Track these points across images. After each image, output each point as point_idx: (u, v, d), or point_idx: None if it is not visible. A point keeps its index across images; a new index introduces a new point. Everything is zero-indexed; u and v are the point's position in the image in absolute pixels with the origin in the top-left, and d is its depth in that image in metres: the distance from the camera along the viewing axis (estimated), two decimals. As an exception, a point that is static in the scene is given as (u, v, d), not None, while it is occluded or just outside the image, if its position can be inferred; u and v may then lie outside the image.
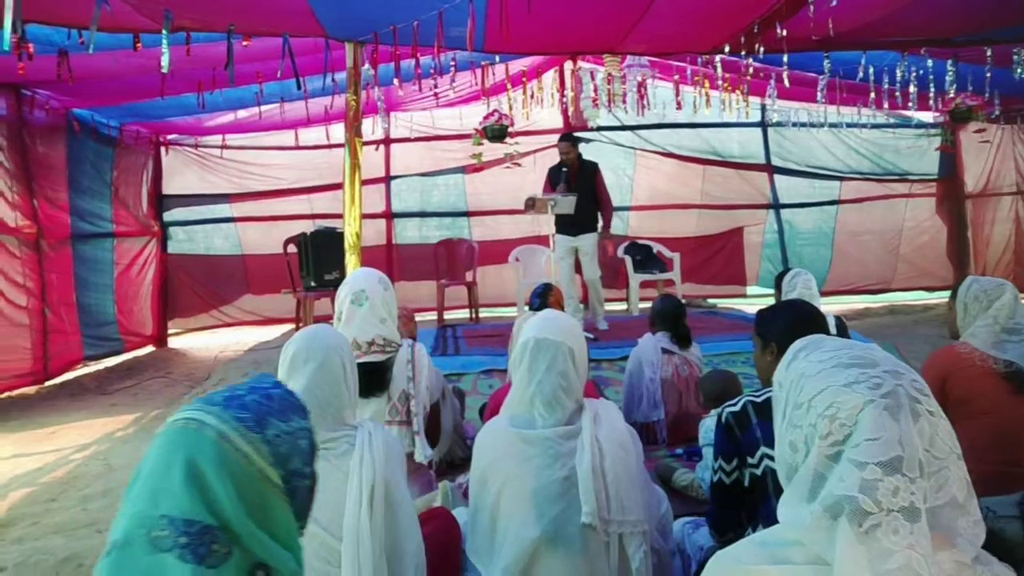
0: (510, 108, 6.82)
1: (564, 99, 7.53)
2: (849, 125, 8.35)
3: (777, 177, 9.02)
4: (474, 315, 7.61)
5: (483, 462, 1.86)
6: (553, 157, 8.46)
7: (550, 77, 7.48)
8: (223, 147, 8.13)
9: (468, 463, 2.05)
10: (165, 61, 3.92)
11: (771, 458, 1.64)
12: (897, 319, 7.79)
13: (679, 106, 7.02)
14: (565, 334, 1.88)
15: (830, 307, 4.10)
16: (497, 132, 6.57)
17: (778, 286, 4.07)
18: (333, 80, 5.10)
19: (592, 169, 5.86)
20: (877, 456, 0.86)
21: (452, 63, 5.37)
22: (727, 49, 5.22)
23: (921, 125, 9.02)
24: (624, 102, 6.81)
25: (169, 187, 8.22)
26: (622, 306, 7.87)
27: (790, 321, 1.91)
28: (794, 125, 8.38)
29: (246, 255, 8.40)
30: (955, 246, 9.12)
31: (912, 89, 5.93)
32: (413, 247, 8.65)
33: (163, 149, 8.10)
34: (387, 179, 8.67)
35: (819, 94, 6.11)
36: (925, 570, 0.82)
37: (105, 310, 6.92)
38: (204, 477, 0.87)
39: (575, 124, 8.39)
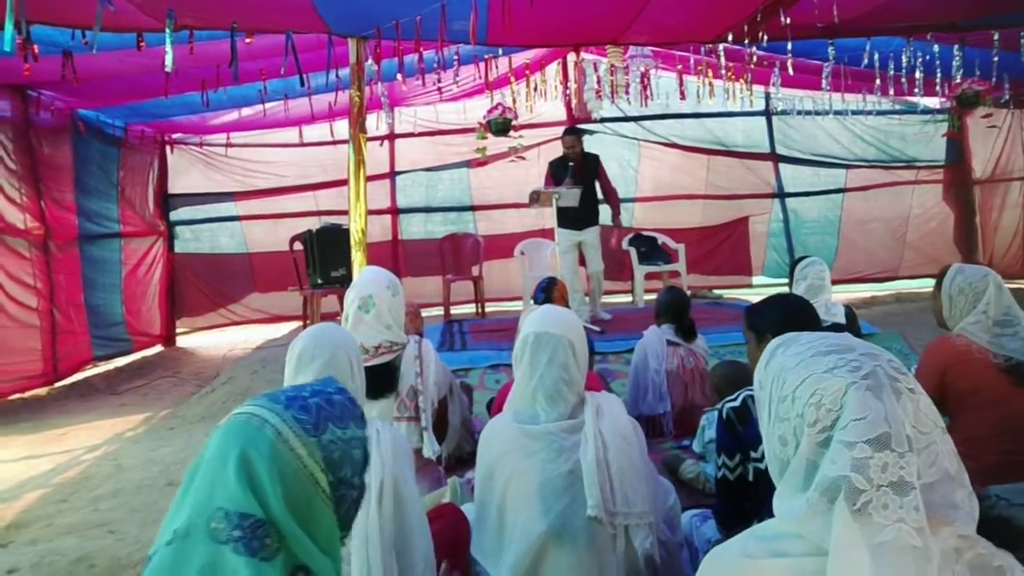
0: (514, 101, 6.80)
1: (568, 91, 7.51)
2: (854, 112, 8.26)
3: (782, 166, 8.98)
4: (480, 310, 7.62)
5: (488, 458, 1.86)
6: (557, 150, 8.46)
7: (553, 69, 7.46)
8: (228, 145, 8.15)
9: (476, 459, 2.06)
10: (169, 60, 3.93)
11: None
12: (904, 307, 7.75)
13: (683, 96, 6.98)
14: (565, 328, 1.89)
15: (837, 296, 4.06)
16: (501, 126, 6.55)
17: (791, 274, 4.01)
18: (337, 76, 5.09)
19: (594, 162, 5.88)
20: (865, 434, 0.87)
21: (455, 57, 5.36)
22: (730, 38, 5.19)
23: (927, 111, 8.96)
24: (627, 93, 6.77)
25: (175, 186, 8.25)
26: (627, 298, 7.86)
27: (781, 313, 1.92)
28: (799, 113, 8.32)
29: (252, 253, 8.42)
30: (962, 233, 9.07)
31: (918, 75, 5.89)
32: (418, 242, 8.66)
33: (168, 148, 8.12)
34: (392, 174, 8.68)
35: (824, 81, 6.07)
36: (917, 541, 0.83)
37: (113, 310, 6.96)
38: (255, 472, 0.88)
39: (579, 116, 8.37)
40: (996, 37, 5.43)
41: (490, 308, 7.83)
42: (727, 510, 1.86)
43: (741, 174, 8.95)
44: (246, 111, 6.92)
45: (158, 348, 7.69)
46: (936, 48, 5.62)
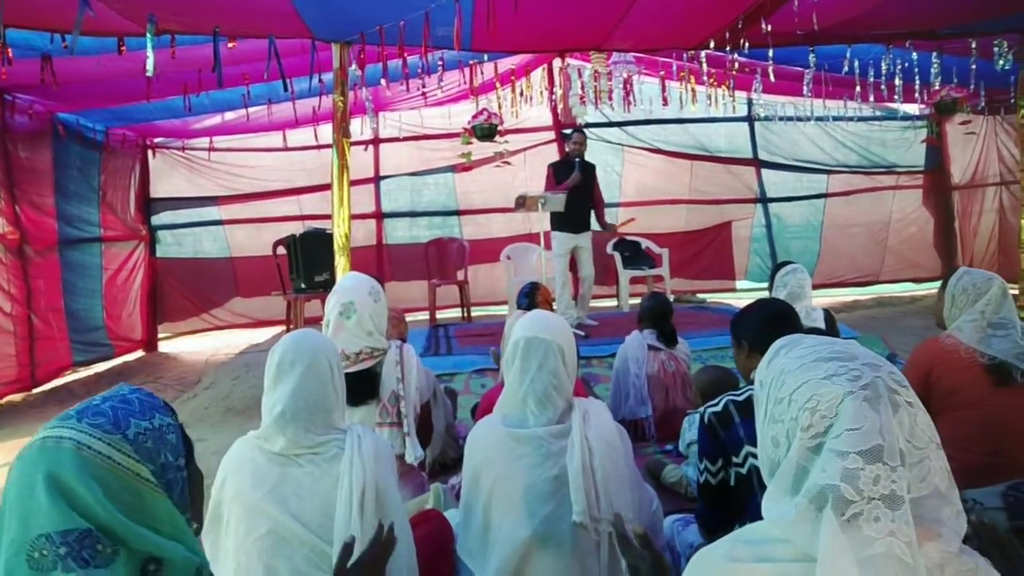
0: (499, 106, 6.81)
1: (553, 96, 7.53)
2: (835, 118, 8.38)
3: (764, 171, 9.05)
4: (466, 314, 7.61)
5: (475, 460, 1.87)
6: (543, 154, 8.47)
7: (538, 75, 7.48)
8: (211, 149, 8.08)
9: (460, 464, 2.06)
10: (150, 65, 3.89)
11: (755, 456, 1.65)
12: (885, 311, 7.84)
13: (665, 102, 7.03)
14: (555, 333, 1.90)
15: (819, 301, 4.09)
16: (486, 131, 6.56)
17: (772, 280, 4.05)
18: (320, 81, 5.07)
19: (593, 169, 6.09)
20: (858, 445, 0.87)
21: (440, 62, 5.36)
22: (712, 45, 5.24)
23: (907, 117, 9.06)
24: (611, 99, 6.82)
25: (157, 190, 8.17)
26: (612, 302, 7.89)
27: (761, 319, 1.94)
28: (781, 119, 8.42)
29: (235, 258, 8.35)
30: (942, 237, 9.19)
31: (898, 82, 5.96)
32: (403, 247, 8.62)
33: (150, 152, 8.04)
34: (376, 179, 8.65)
35: (805, 88, 6.13)
36: (908, 556, 0.83)
37: (94, 315, 6.87)
38: (68, 486, 0.88)
39: (564, 121, 8.40)
40: (973, 45, 5.52)
41: (476, 312, 7.82)
42: (709, 515, 1.87)
43: (724, 179, 9.00)
44: (229, 115, 6.87)
45: (139, 353, 7.61)
46: (915, 56, 5.70)
